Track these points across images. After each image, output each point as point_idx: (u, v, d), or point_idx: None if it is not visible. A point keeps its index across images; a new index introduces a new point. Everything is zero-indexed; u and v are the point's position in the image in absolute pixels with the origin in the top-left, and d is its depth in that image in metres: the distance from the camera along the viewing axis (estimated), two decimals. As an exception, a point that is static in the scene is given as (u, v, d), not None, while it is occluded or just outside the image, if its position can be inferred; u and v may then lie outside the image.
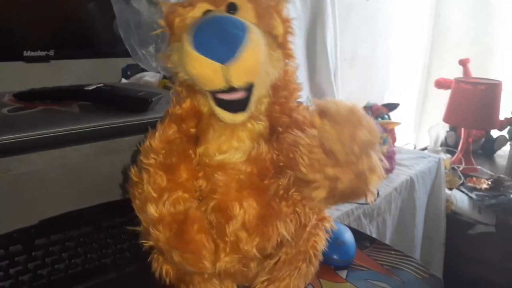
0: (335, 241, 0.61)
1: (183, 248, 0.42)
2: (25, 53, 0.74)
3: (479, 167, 1.83)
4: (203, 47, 0.36)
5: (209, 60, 0.36)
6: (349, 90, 1.79)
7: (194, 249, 0.42)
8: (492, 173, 1.76)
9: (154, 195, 0.43)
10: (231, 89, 0.39)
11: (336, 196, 0.39)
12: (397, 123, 1.46)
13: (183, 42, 0.38)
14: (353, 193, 0.39)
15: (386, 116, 1.54)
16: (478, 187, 1.64)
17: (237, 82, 0.38)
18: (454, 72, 1.98)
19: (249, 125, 0.45)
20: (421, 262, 0.70)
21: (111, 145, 0.59)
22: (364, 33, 1.85)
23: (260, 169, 0.44)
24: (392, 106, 1.64)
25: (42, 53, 0.76)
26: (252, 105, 0.41)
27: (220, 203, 0.44)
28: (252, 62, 0.38)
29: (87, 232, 0.65)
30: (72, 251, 0.61)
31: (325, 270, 0.63)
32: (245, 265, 0.46)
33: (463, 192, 1.63)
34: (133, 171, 0.46)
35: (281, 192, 0.44)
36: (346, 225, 0.73)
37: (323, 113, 0.38)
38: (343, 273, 0.65)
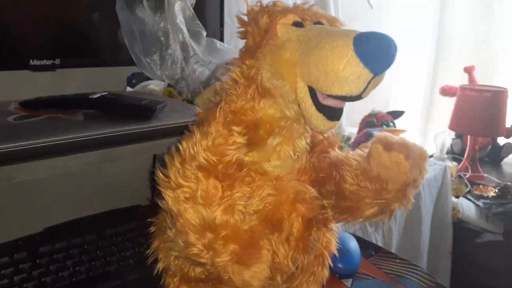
0: (340, 250, 0.60)
1: (249, 264, 0.37)
2: (31, 62, 0.75)
3: (485, 174, 1.82)
4: (368, 57, 0.36)
5: (367, 71, 0.37)
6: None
7: (259, 267, 0.38)
8: (499, 181, 1.74)
9: (211, 202, 0.39)
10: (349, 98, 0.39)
11: (369, 216, 0.46)
12: (403, 131, 1.46)
13: (341, 43, 0.37)
14: (383, 214, 0.46)
15: (391, 123, 1.54)
16: (485, 195, 1.63)
17: (367, 93, 0.39)
18: (459, 80, 1.97)
19: (306, 135, 0.46)
20: (427, 270, 0.69)
21: (115, 153, 0.59)
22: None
23: (309, 181, 0.46)
24: (397, 114, 1.63)
25: (48, 62, 0.77)
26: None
27: (271, 214, 0.42)
28: (383, 78, 0.39)
29: (91, 240, 0.65)
30: (76, 258, 0.61)
31: (330, 279, 0.62)
32: (273, 278, 0.44)
33: (469, 200, 1.62)
34: (173, 171, 0.40)
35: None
36: (351, 234, 0.73)
37: (390, 145, 0.43)
38: (348, 282, 0.65)
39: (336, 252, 0.53)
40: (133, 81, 0.97)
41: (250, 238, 0.38)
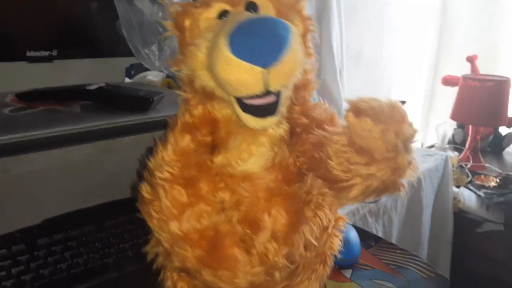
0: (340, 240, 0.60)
1: (217, 266, 0.39)
2: (28, 53, 0.74)
3: (487, 164, 1.81)
4: (245, 52, 0.34)
5: (251, 65, 0.34)
6: (355, 88, 1.77)
7: (229, 266, 0.39)
8: (500, 171, 1.73)
9: (175, 212, 0.40)
10: (264, 94, 0.36)
11: (369, 193, 0.39)
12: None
13: (218, 46, 0.35)
14: (387, 188, 0.39)
15: (392, 114, 1.53)
16: (486, 185, 1.62)
17: (275, 86, 0.36)
18: (461, 69, 1.96)
19: (270, 130, 0.42)
20: (428, 260, 0.69)
21: (113, 144, 0.59)
22: (370, 30, 1.84)
23: (285, 174, 0.43)
24: (398, 104, 1.62)
25: (45, 53, 0.76)
26: (281, 108, 0.39)
27: (248, 214, 0.41)
28: (293, 65, 0.36)
29: (90, 232, 0.65)
30: (74, 250, 0.61)
31: (329, 270, 0.63)
32: (271, 275, 0.44)
33: (470, 190, 1.62)
34: (144, 188, 0.42)
35: (304, 196, 0.42)
36: (351, 224, 0.73)
37: (359, 111, 0.36)
38: (348, 273, 0.65)
39: (338, 254, 0.51)
40: (132, 72, 0.96)
41: (215, 241, 0.39)
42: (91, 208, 0.70)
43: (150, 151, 0.43)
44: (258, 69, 0.34)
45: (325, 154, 0.39)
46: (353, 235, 0.69)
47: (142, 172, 0.43)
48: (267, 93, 0.36)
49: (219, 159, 0.43)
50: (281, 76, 0.35)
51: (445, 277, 0.66)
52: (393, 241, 1.25)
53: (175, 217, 0.40)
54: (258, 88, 0.35)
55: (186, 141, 0.42)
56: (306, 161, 0.42)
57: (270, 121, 0.39)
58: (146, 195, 0.42)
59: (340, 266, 0.65)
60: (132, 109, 0.64)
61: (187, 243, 0.39)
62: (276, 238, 0.41)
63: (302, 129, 0.44)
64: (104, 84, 0.68)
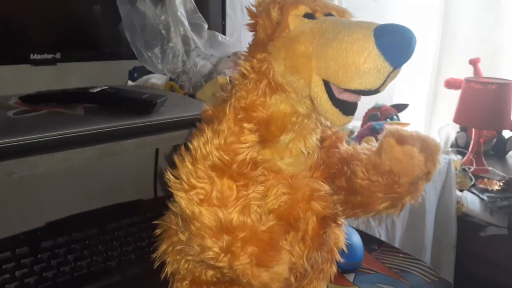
0: (342, 244, 0.60)
1: (270, 266, 0.36)
2: (32, 56, 0.74)
3: (490, 168, 1.80)
4: (388, 49, 0.36)
5: (386, 62, 0.36)
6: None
7: (281, 270, 0.36)
8: (504, 174, 1.72)
9: (225, 204, 0.37)
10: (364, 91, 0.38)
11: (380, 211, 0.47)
12: (407, 124, 1.44)
13: (362, 36, 0.36)
14: (394, 207, 0.47)
15: (395, 117, 1.53)
16: (489, 188, 1.61)
17: (384, 88, 0.38)
18: (464, 72, 1.95)
19: (317, 131, 0.45)
20: (431, 265, 0.69)
21: (116, 147, 0.59)
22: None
23: (322, 177, 0.46)
24: (401, 107, 1.62)
25: (49, 56, 0.77)
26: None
27: (287, 213, 0.42)
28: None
29: (93, 235, 0.65)
30: (77, 253, 0.62)
31: (332, 274, 0.62)
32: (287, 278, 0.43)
33: (474, 193, 1.61)
34: (187, 174, 0.38)
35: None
36: (354, 228, 0.72)
37: (401, 139, 0.44)
38: (351, 277, 0.64)
39: (345, 248, 0.52)
40: (135, 75, 0.96)
41: (269, 239, 0.36)
42: (94, 211, 0.71)
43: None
44: (389, 68, 0.36)
45: (351, 170, 0.45)
46: (356, 239, 0.69)
47: (174, 158, 0.39)
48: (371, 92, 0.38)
49: (263, 153, 0.43)
50: (393, 79, 0.39)
51: (449, 281, 0.66)
52: (396, 245, 1.25)
53: (226, 208, 0.36)
54: (377, 85, 0.37)
55: (237, 134, 0.40)
56: (331, 171, 0.47)
57: (350, 119, 0.41)
58: (190, 180, 0.37)
59: (343, 270, 0.65)
60: (135, 111, 0.64)
61: (239, 237, 0.36)
62: (304, 241, 0.42)
63: (322, 139, 0.48)
64: (107, 87, 0.68)
